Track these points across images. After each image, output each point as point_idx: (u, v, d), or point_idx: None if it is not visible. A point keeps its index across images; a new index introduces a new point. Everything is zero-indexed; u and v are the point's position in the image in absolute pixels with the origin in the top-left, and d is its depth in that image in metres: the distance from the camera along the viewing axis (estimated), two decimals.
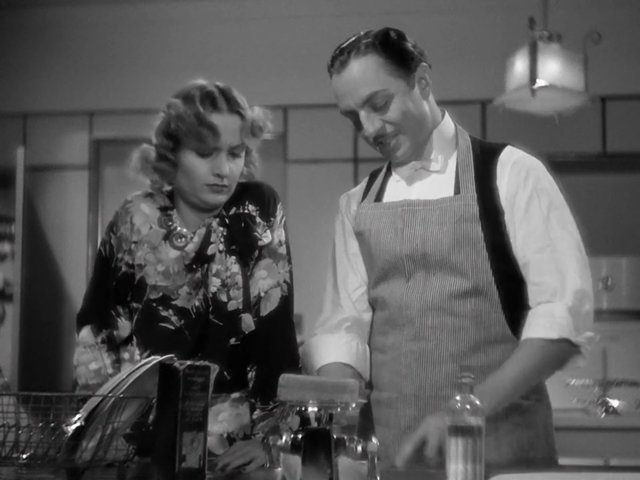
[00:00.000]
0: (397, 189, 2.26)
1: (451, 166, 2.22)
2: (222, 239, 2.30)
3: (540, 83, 4.23)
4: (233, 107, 2.26)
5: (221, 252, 2.30)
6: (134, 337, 2.33)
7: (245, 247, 2.31)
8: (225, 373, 2.25)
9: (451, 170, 2.21)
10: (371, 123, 2.14)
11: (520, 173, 2.16)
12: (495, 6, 5.20)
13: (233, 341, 2.27)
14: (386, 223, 2.22)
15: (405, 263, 2.18)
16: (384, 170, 2.33)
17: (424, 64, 2.18)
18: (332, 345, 2.25)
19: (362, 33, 2.18)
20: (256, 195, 2.35)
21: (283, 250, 2.34)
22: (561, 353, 2.09)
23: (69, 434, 1.76)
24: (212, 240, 2.30)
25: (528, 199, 2.14)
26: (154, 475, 1.69)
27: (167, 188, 2.40)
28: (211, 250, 2.29)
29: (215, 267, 2.28)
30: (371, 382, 2.28)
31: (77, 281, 5.34)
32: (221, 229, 2.31)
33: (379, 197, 2.28)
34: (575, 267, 2.11)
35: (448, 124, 2.26)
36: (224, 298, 2.27)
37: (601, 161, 5.26)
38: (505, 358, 2.10)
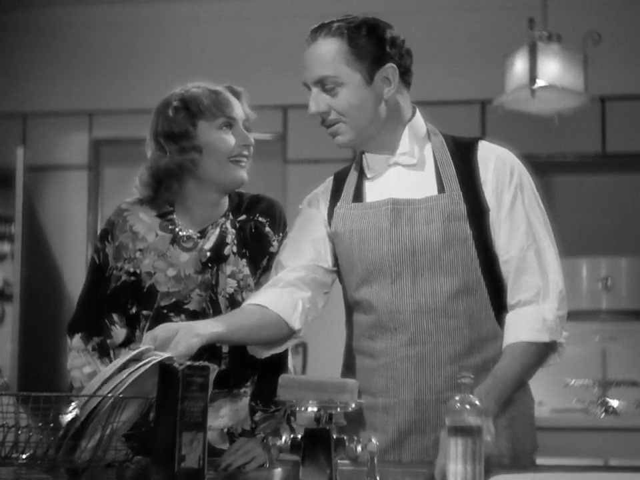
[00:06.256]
0: (377, 189, 2.24)
1: (428, 162, 2.21)
2: (235, 241, 2.32)
3: (540, 83, 4.23)
4: (233, 90, 2.35)
5: (234, 254, 2.31)
6: (131, 342, 2.33)
7: (256, 252, 2.33)
8: (226, 368, 2.26)
9: (429, 166, 2.21)
10: (315, 103, 2.19)
11: (505, 169, 2.18)
12: (495, 6, 5.20)
13: None
14: (369, 222, 2.19)
15: (391, 263, 2.16)
16: (353, 170, 2.30)
17: (392, 65, 2.16)
18: (261, 293, 2.21)
19: (349, 16, 2.21)
20: (267, 209, 2.38)
21: None
22: (547, 353, 2.15)
23: (67, 431, 1.76)
24: (227, 241, 2.32)
25: (513, 196, 2.17)
26: (153, 475, 1.69)
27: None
28: (227, 250, 2.31)
29: (229, 269, 2.30)
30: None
31: (76, 281, 5.30)
32: (233, 231, 2.33)
33: (357, 198, 2.25)
34: (556, 267, 2.17)
35: (419, 121, 2.26)
36: (239, 299, 2.29)
37: (601, 161, 5.25)
38: (497, 354, 2.13)
